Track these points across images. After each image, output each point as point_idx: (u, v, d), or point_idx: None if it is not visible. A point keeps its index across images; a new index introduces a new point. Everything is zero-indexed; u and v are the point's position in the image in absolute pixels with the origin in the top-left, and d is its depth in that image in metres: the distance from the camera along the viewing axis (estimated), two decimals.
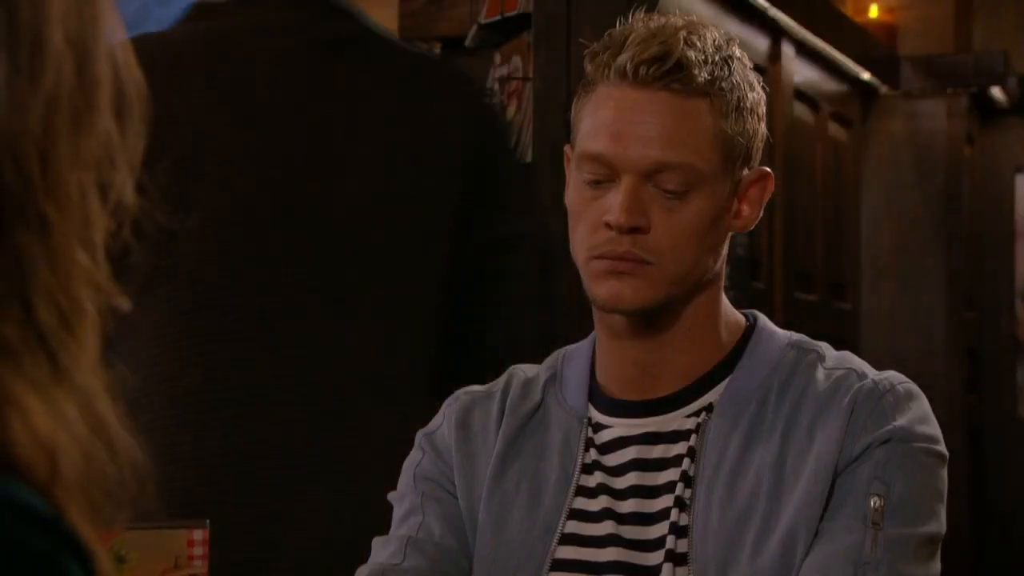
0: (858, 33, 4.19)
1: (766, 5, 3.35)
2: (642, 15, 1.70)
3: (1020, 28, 4.87)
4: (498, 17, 2.89)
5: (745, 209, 1.72)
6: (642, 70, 1.65)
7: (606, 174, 1.67)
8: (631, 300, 1.66)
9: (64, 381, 0.79)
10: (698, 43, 1.66)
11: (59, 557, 0.75)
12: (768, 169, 1.74)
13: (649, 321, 1.70)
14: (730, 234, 1.73)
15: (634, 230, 1.65)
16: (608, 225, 1.65)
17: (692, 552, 1.64)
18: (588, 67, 1.71)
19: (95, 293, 0.81)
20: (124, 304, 0.83)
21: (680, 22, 1.68)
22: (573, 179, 1.71)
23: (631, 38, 1.66)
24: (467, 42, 3.03)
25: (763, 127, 1.73)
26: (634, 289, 1.66)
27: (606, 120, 1.67)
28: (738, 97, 1.68)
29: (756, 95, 1.71)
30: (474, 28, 2.99)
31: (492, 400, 1.79)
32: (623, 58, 1.65)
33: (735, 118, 1.67)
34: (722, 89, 1.67)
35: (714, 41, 1.68)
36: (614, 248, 1.65)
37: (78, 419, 0.79)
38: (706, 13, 3.05)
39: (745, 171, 1.70)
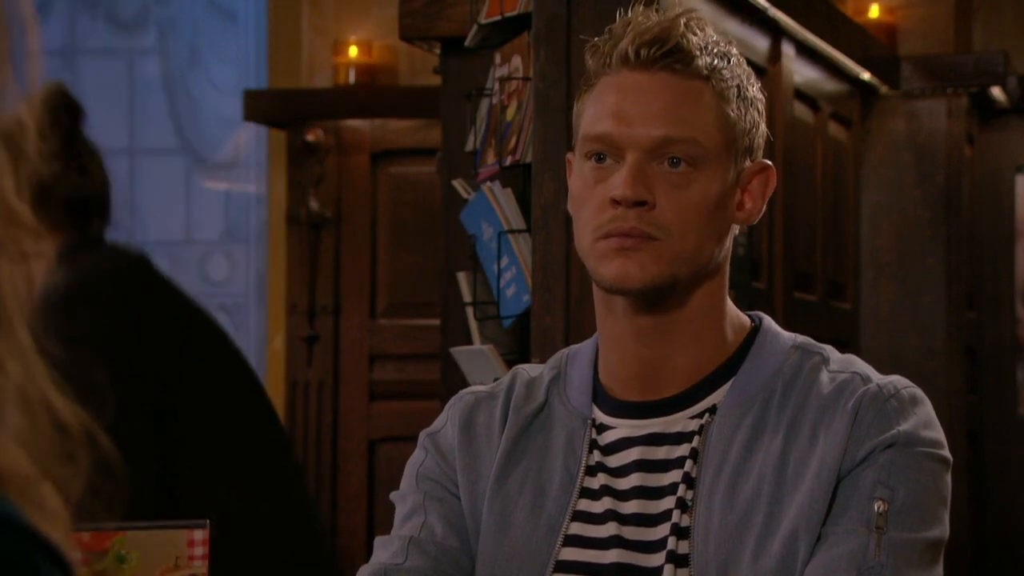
0: (858, 33, 4.19)
1: (766, 5, 3.35)
2: (641, 8, 1.72)
3: (1020, 28, 4.87)
4: (498, 17, 2.90)
5: (748, 202, 1.73)
6: (643, 52, 1.67)
7: (611, 155, 1.67)
8: (638, 277, 1.66)
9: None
10: (698, 31, 1.69)
11: (36, 562, 0.74)
12: (769, 162, 1.75)
13: (652, 307, 1.69)
14: (734, 228, 1.73)
15: (640, 204, 1.65)
16: (615, 201, 1.65)
17: (693, 554, 1.64)
18: (589, 61, 1.72)
19: (6, 263, 0.79)
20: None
21: (680, 10, 1.70)
22: (577, 168, 1.72)
23: (631, 26, 1.69)
24: (467, 42, 3.04)
25: (764, 125, 1.74)
26: (640, 265, 1.66)
27: (609, 103, 1.68)
28: (737, 86, 1.70)
29: (755, 91, 1.73)
30: (474, 28, 2.99)
31: (496, 400, 1.79)
32: (623, 44, 1.68)
33: (737, 104, 1.69)
34: (722, 75, 1.69)
35: (713, 36, 1.70)
36: (620, 224, 1.65)
37: (17, 411, 0.77)
38: (706, 13, 3.05)
39: (747, 162, 1.71)
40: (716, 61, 1.68)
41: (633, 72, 1.68)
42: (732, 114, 1.69)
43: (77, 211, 2.71)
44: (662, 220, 1.66)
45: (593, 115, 1.70)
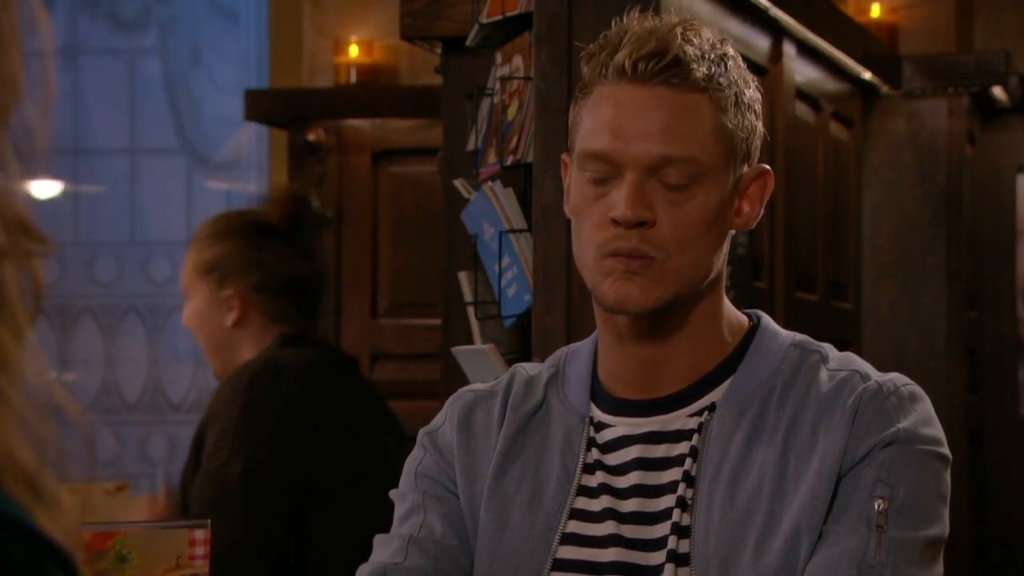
0: (859, 33, 4.18)
1: (767, 4, 3.35)
2: (637, 15, 1.70)
3: (1021, 27, 4.87)
4: (499, 17, 2.89)
5: (746, 207, 1.72)
6: (640, 66, 1.65)
7: (609, 171, 1.67)
8: (640, 301, 1.66)
9: (5, 369, 0.78)
10: (695, 39, 1.67)
11: (47, 568, 0.75)
12: (767, 167, 1.74)
13: (654, 322, 1.70)
14: (731, 233, 1.73)
15: (640, 224, 1.64)
16: (615, 221, 1.65)
17: (694, 552, 1.64)
18: (584, 69, 1.71)
19: (13, 268, 0.80)
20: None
21: (676, 19, 1.69)
22: (575, 180, 1.71)
23: (627, 36, 1.67)
24: (468, 42, 3.03)
25: (761, 125, 1.73)
26: (642, 289, 1.66)
27: (606, 118, 1.67)
28: (735, 93, 1.68)
29: (752, 92, 1.71)
30: (475, 28, 2.98)
31: (494, 399, 1.79)
32: (620, 56, 1.66)
33: (734, 113, 1.68)
34: (720, 84, 1.67)
35: (709, 39, 1.69)
36: (623, 244, 1.65)
37: (26, 408, 0.78)
38: (706, 12, 3.05)
39: (745, 168, 1.71)
40: (713, 69, 1.67)
41: (630, 86, 1.66)
42: (730, 124, 1.67)
43: (307, 302, 3.18)
44: (662, 240, 1.65)
45: (590, 128, 1.68)
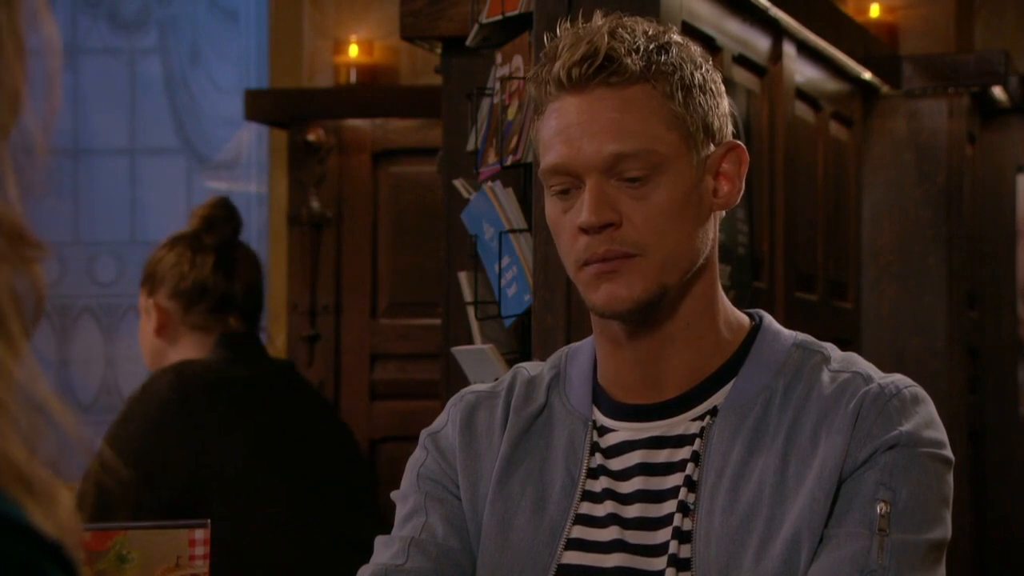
0: (859, 32, 4.18)
1: (767, 4, 3.35)
2: (568, 25, 1.71)
3: (1022, 27, 4.87)
4: (499, 17, 2.89)
5: (724, 185, 1.72)
6: (574, 73, 1.66)
7: (570, 182, 1.68)
8: (627, 298, 1.66)
9: (1, 377, 0.78)
10: (626, 35, 1.67)
11: (44, 566, 0.75)
12: (735, 140, 1.73)
13: (647, 321, 1.70)
14: (718, 216, 1.72)
15: (606, 227, 1.65)
16: (583, 230, 1.66)
17: (695, 557, 1.64)
18: (532, 91, 1.72)
19: (7, 277, 0.80)
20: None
21: (603, 21, 1.69)
22: (546, 199, 1.73)
23: (560, 47, 1.68)
24: (468, 42, 3.03)
25: (723, 103, 1.72)
26: (627, 286, 1.66)
27: (555, 130, 1.68)
28: (680, 77, 1.68)
29: (703, 72, 1.70)
30: (475, 28, 2.98)
31: (497, 400, 1.79)
32: (556, 68, 1.67)
33: (682, 97, 1.67)
34: (661, 72, 1.67)
35: (645, 32, 1.69)
36: (594, 251, 1.65)
37: (22, 412, 0.78)
38: (706, 12, 3.05)
39: (711, 147, 1.70)
40: (652, 57, 1.67)
41: (571, 95, 1.67)
42: (679, 109, 1.67)
43: (220, 311, 3.21)
44: (633, 236, 1.65)
45: (544, 145, 1.70)
